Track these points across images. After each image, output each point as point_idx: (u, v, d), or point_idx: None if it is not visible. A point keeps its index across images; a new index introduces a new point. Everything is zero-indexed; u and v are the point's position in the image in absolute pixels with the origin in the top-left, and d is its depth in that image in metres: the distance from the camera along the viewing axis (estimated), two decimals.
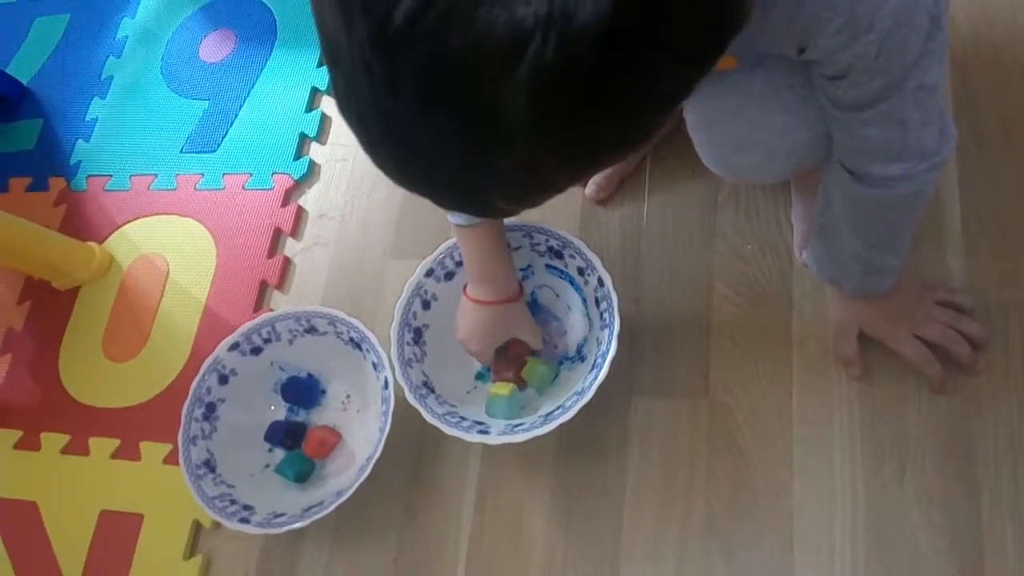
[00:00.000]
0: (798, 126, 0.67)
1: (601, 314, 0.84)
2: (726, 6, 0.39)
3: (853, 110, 0.60)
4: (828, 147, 0.67)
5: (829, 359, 0.84)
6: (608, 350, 0.79)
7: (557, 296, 0.91)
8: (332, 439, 0.93)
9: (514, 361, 0.87)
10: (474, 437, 0.81)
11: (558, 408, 0.80)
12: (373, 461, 0.83)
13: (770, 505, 0.80)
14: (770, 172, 0.75)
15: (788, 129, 0.67)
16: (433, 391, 0.86)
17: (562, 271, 0.89)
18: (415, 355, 0.87)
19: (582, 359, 0.87)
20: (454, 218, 0.82)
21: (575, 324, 0.89)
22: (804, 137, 0.67)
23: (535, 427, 0.79)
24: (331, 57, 0.40)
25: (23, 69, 1.37)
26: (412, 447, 0.91)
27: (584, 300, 0.88)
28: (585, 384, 0.80)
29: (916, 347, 0.79)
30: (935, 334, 0.79)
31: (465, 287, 0.86)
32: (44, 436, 1.06)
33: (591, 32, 0.35)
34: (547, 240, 0.88)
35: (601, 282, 0.84)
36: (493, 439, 0.80)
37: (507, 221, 0.88)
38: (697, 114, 0.73)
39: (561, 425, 0.79)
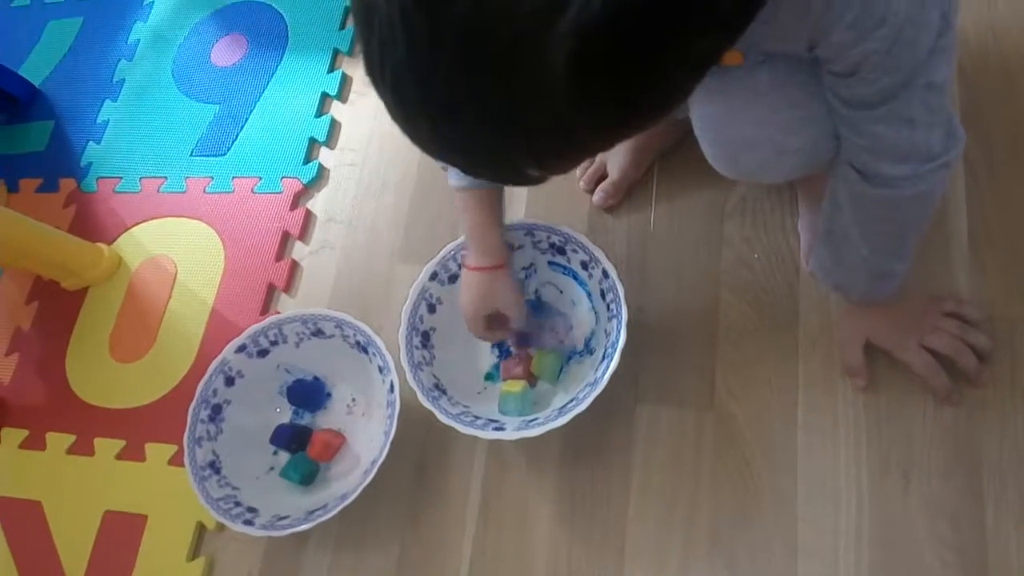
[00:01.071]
0: (806, 122, 0.67)
1: (608, 305, 0.85)
2: None
3: (863, 108, 0.60)
4: (835, 146, 0.67)
5: (835, 368, 0.84)
6: (618, 340, 0.80)
7: (561, 292, 0.91)
8: (336, 441, 0.93)
9: (522, 358, 0.88)
10: (490, 434, 0.81)
11: (572, 400, 0.80)
12: (378, 464, 0.83)
13: (775, 514, 0.80)
14: (778, 170, 0.75)
15: (796, 125, 0.68)
16: (445, 392, 0.86)
17: (565, 267, 0.90)
18: (424, 358, 0.88)
19: (591, 352, 0.87)
20: (454, 180, 0.82)
21: (581, 319, 0.90)
22: (812, 134, 0.67)
23: (550, 420, 0.79)
24: (365, 20, 0.40)
25: (35, 71, 1.38)
26: (416, 451, 0.91)
27: (589, 294, 0.88)
28: (597, 375, 0.80)
29: (922, 357, 0.79)
30: (942, 345, 0.79)
31: (463, 257, 0.87)
32: (50, 436, 1.06)
33: None
34: (549, 237, 0.89)
35: (606, 274, 0.84)
36: (510, 435, 0.80)
37: (508, 221, 0.89)
38: (704, 112, 0.73)
39: (566, 430, 0.79)
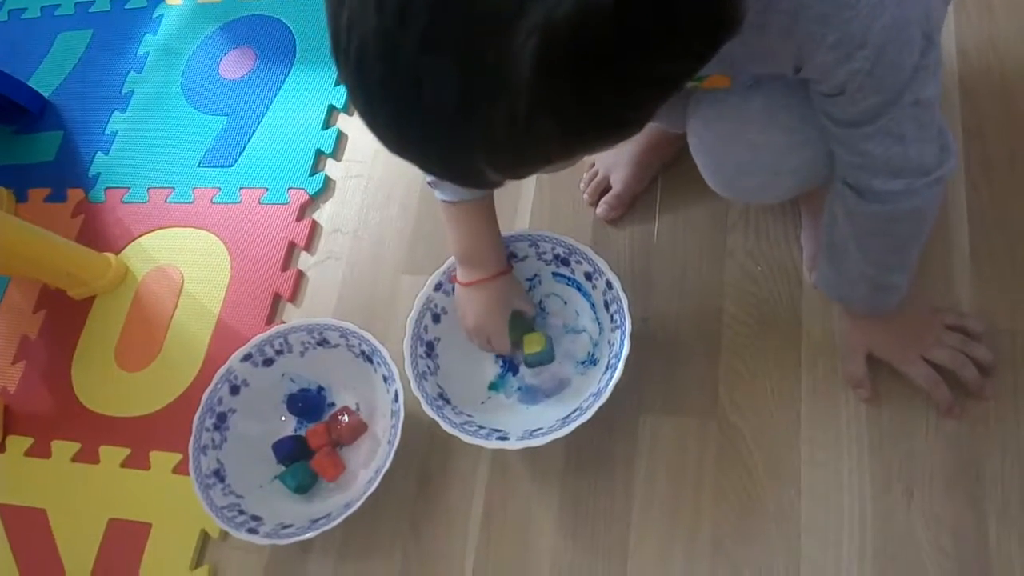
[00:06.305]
0: (799, 145, 0.68)
1: (611, 316, 0.85)
2: (725, 3, 0.41)
3: (852, 126, 0.61)
4: (831, 165, 0.68)
5: (838, 380, 0.84)
6: (621, 350, 0.80)
7: (565, 303, 0.92)
8: (338, 470, 0.92)
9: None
10: (494, 444, 0.81)
11: (576, 410, 0.81)
12: (382, 473, 0.83)
13: (778, 525, 0.80)
14: (775, 192, 0.76)
15: (789, 149, 0.69)
16: (449, 402, 0.86)
17: (569, 278, 0.90)
18: (429, 368, 0.88)
19: (594, 363, 0.88)
20: (443, 194, 0.82)
21: (585, 329, 0.90)
22: (806, 156, 0.68)
23: (554, 430, 0.80)
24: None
25: (45, 82, 1.39)
26: (420, 460, 0.92)
27: (593, 305, 0.89)
28: (601, 385, 0.81)
29: (925, 370, 0.79)
30: (944, 358, 0.79)
31: (453, 276, 0.87)
32: (55, 444, 1.06)
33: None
34: (553, 248, 0.89)
35: (609, 284, 0.85)
36: (513, 444, 0.81)
37: (512, 231, 0.90)
38: (699, 138, 0.74)
39: (570, 440, 0.80)
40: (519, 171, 0.47)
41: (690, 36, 0.41)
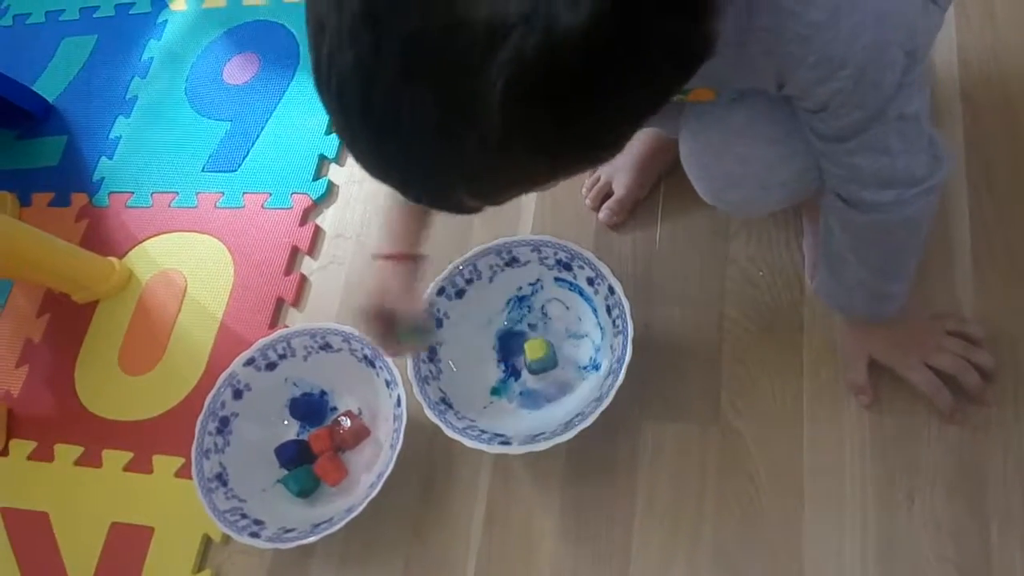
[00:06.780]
0: (787, 158, 0.68)
1: (614, 321, 0.86)
2: (695, 32, 0.42)
3: (837, 141, 0.61)
4: (820, 176, 0.68)
5: (839, 386, 0.84)
6: (624, 355, 0.81)
7: (567, 308, 0.92)
8: (340, 475, 0.92)
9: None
10: (496, 448, 0.82)
11: (578, 415, 0.81)
12: (384, 478, 0.84)
13: (780, 532, 0.80)
14: (765, 204, 0.76)
15: (777, 161, 0.69)
16: (451, 407, 0.86)
17: (571, 283, 0.91)
18: (431, 372, 0.88)
19: (597, 368, 0.88)
20: None
21: (588, 334, 0.91)
22: (794, 168, 0.69)
23: (556, 435, 0.80)
24: (316, 29, 0.42)
25: (49, 87, 1.40)
26: (422, 466, 0.92)
27: (595, 310, 0.89)
28: (603, 390, 0.81)
29: (927, 376, 0.79)
30: (945, 363, 0.79)
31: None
32: (58, 447, 1.06)
33: (573, 32, 0.37)
34: (555, 253, 0.90)
35: (612, 290, 0.85)
36: (515, 449, 0.81)
37: (515, 236, 0.90)
38: (689, 150, 0.74)
39: (572, 445, 0.80)
40: (498, 197, 0.47)
41: (660, 63, 0.42)
